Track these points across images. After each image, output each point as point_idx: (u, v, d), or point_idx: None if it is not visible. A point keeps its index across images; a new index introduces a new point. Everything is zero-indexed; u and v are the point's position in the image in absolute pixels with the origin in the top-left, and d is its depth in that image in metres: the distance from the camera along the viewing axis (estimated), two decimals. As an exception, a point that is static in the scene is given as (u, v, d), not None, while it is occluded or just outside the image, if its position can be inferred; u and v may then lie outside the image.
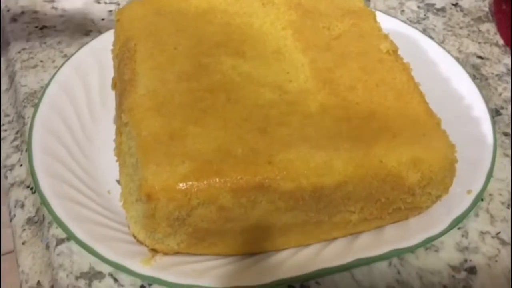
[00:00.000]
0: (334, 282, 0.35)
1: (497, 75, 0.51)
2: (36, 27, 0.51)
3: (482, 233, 0.38)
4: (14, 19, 0.52)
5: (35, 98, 0.45)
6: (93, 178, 0.38)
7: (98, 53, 0.44)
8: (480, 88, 0.45)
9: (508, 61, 0.52)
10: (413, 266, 0.36)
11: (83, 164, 0.38)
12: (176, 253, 0.33)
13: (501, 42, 0.55)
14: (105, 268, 0.34)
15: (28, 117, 0.43)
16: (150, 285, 0.34)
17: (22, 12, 0.53)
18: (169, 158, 0.30)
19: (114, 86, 0.39)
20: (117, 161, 0.37)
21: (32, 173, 0.36)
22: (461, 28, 0.56)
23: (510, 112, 0.47)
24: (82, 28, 0.51)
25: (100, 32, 0.50)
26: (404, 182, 0.32)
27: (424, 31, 0.54)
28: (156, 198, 0.29)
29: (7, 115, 0.45)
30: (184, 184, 0.30)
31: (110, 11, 0.55)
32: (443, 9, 0.59)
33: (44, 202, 0.34)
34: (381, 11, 0.51)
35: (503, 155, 0.43)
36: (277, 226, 0.32)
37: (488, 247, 0.37)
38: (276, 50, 0.39)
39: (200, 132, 0.32)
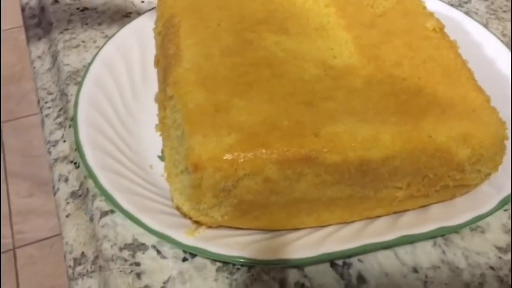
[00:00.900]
0: (377, 260, 0.34)
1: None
2: (78, 8, 0.52)
3: (529, 215, 0.37)
4: (56, 1, 0.53)
5: (77, 76, 0.45)
6: (136, 153, 0.38)
7: (139, 32, 0.45)
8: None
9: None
10: (458, 247, 0.35)
11: (126, 139, 0.39)
12: (219, 226, 0.34)
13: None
14: (149, 240, 0.35)
15: (71, 95, 0.44)
16: (192, 257, 0.34)
17: (64, -6, 0.54)
18: (215, 129, 0.31)
19: (157, 62, 0.39)
20: (160, 135, 0.37)
21: (78, 146, 0.36)
22: (504, 11, 0.55)
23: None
24: (122, 10, 0.52)
25: (139, 13, 0.50)
26: (453, 158, 0.31)
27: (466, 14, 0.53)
28: (203, 168, 0.30)
29: (50, 93, 0.46)
30: (231, 154, 0.30)
31: (149, -7, 0.55)
32: (485, -7, 0.57)
33: (90, 173, 0.35)
34: (422, -7, 0.50)
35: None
36: (321, 200, 0.32)
37: (536, 230, 0.36)
38: (319, 27, 0.38)
39: (245, 105, 0.32)
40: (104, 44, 0.44)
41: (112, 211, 0.36)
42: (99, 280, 0.34)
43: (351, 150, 0.30)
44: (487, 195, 0.35)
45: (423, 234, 0.33)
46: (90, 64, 0.42)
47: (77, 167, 0.40)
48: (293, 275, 0.33)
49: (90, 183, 0.38)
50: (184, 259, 0.34)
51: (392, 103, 0.33)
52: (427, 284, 0.33)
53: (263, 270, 0.34)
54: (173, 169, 0.34)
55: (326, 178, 0.31)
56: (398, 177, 0.32)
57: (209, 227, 0.33)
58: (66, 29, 0.50)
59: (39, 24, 0.52)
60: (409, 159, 0.31)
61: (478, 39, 0.46)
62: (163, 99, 0.36)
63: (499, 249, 0.35)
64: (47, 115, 0.44)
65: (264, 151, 0.30)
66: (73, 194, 0.39)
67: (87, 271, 0.35)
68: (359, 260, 0.34)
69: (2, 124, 1.26)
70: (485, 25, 0.52)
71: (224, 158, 0.30)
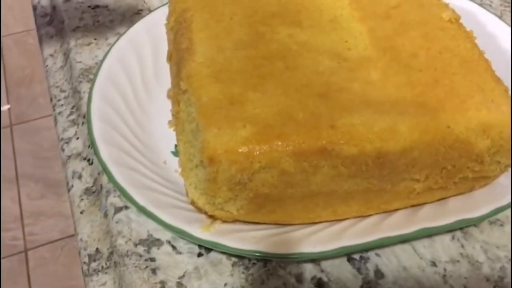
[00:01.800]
0: (395, 254, 0.34)
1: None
2: (89, 6, 0.52)
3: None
4: None
5: (90, 73, 0.45)
6: (149, 148, 0.38)
7: (151, 28, 0.45)
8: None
9: None
10: (477, 240, 0.34)
11: (139, 135, 0.38)
12: (235, 220, 0.33)
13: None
14: (164, 236, 0.34)
15: (84, 92, 0.44)
16: (207, 252, 0.34)
17: (75, -7, 0.54)
18: (230, 122, 0.30)
19: (170, 58, 0.39)
20: (174, 131, 0.37)
21: (92, 141, 0.36)
22: (518, 4, 0.54)
23: None
24: (133, 7, 0.52)
25: (150, 10, 0.50)
26: (472, 148, 0.31)
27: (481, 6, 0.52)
28: (218, 161, 0.29)
29: (63, 91, 0.46)
30: (246, 147, 0.29)
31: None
32: (499, -14, 0.56)
33: (104, 169, 0.34)
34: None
35: None
36: (338, 194, 0.32)
37: (557, 223, 0.35)
38: (333, 19, 0.38)
39: (259, 97, 0.32)
40: (117, 40, 0.44)
41: (126, 207, 0.36)
42: (114, 276, 0.34)
43: (368, 142, 0.30)
44: (506, 188, 0.34)
45: (442, 227, 0.32)
46: (102, 60, 0.42)
47: (91, 164, 0.40)
48: (309, 270, 0.33)
49: (103, 179, 0.38)
50: (199, 254, 0.34)
51: (409, 94, 0.32)
52: (446, 278, 0.33)
53: (279, 264, 0.33)
54: (187, 163, 0.34)
55: (343, 171, 0.30)
56: (416, 169, 0.31)
57: (224, 221, 0.33)
58: (78, 27, 0.50)
59: (51, 22, 0.52)
60: (427, 151, 0.30)
61: (493, 31, 0.45)
62: (177, 93, 0.36)
63: (520, 242, 0.34)
64: (60, 113, 0.44)
65: (280, 143, 0.29)
66: (87, 191, 0.39)
67: (102, 267, 0.35)
68: (377, 254, 0.34)
69: (12, 126, 1.27)
70: (500, 17, 0.52)
71: (240, 150, 0.29)
